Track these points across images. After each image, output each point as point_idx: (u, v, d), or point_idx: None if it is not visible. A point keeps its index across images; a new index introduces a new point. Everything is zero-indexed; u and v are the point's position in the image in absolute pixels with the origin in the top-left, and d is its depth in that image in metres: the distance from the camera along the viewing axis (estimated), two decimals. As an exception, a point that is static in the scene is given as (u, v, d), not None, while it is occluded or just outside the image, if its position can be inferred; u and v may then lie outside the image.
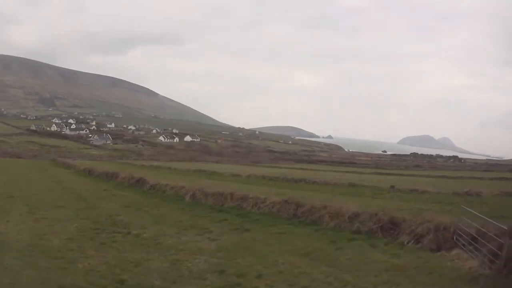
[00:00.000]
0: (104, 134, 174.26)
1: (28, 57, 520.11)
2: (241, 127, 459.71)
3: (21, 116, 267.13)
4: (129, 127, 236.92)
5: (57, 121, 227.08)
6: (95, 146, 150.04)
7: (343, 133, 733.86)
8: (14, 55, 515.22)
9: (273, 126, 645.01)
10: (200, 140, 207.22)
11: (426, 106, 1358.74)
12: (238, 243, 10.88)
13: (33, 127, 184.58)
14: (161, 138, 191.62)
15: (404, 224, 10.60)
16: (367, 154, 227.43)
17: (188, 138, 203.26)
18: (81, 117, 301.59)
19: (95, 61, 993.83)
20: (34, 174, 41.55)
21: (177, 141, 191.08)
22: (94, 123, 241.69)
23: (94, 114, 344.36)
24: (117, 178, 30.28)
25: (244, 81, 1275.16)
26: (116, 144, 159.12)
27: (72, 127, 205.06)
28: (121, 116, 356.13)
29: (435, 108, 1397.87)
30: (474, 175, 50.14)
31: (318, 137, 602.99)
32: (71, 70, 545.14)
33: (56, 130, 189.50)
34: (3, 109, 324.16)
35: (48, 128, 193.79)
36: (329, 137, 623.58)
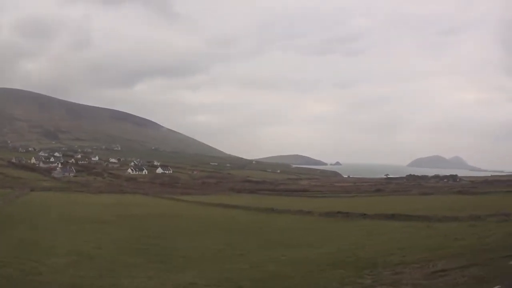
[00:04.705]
0: (68, 167, 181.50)
1: (37, 91, 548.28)
2: (243, 157, 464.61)
3: (19, 149, 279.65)
4: (111, 160, 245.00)
5: (43, 154, 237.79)
6: (54, 178, 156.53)
7: (353, 159, 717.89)
8: (24, 89, 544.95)
9: (281, 155, 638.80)
10: (173, 171, 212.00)
11: (436, 125, 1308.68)
12: None
13: (13, 160, 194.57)
14: (129, 170, 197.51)
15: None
16: (357, 179, 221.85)
17: (159, 170, 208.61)
18: (79, 150, 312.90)
19: (102, 95, 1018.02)
20: None
21: (146, 173, 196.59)
22: (79, 156, 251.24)
23: (94, 147, 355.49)
24: None
25: (254, 111, 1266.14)
26: (76, 176, 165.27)
27: (51, 159, 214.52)
28: (119, 149, 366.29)
29: (445, 127, 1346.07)
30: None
31: (326, 164, 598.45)
32: (77, 104, 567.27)
33: (33, 163, 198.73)
34: (9, 141, 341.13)
35: (28, 161, 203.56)
36: (337, 163, 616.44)
